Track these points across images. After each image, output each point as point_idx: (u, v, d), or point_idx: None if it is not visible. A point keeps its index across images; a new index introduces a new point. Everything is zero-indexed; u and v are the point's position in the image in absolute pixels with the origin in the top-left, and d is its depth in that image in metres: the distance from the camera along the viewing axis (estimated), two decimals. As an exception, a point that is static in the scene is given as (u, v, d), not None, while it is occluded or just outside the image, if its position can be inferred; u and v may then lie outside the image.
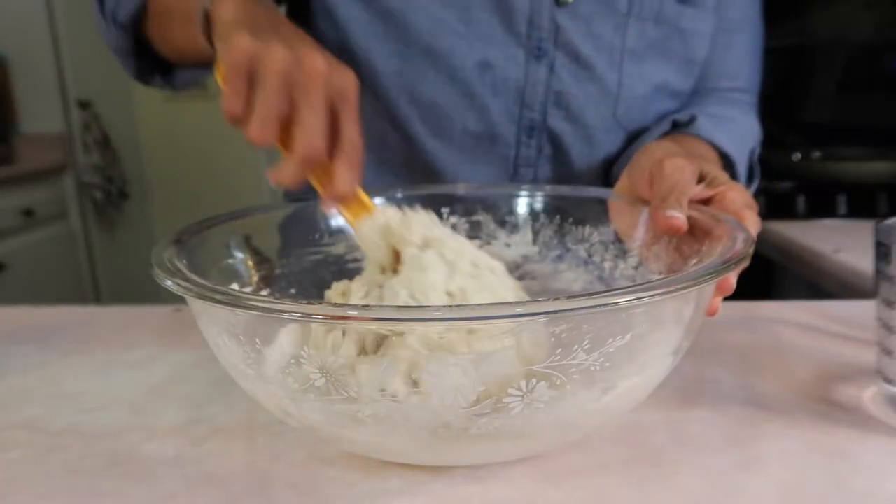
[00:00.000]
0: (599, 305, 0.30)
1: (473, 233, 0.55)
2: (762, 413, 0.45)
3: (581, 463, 0.39)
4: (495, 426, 0.33)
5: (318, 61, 0.41)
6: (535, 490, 0.37)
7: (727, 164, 0.66)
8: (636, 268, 0.50)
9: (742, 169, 0.68)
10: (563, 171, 0.71)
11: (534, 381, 0.32)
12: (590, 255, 0.53)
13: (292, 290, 0.51)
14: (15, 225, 2.19)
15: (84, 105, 2.49)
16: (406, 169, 0.70)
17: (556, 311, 0.30)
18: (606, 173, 0.72)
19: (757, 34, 0.76)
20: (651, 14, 0.67)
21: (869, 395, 0.46)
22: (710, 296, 0.39)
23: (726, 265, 0.35)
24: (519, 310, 0.30)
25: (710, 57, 0.72)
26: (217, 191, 2.82)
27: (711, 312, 0.42)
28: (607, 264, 0.52)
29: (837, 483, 0.37)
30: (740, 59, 0.74)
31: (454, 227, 0.55)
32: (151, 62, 0.66)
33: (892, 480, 0.38)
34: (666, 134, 0.68)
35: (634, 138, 0.71)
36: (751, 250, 0.37)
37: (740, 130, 0.70)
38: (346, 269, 0.53)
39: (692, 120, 0.67)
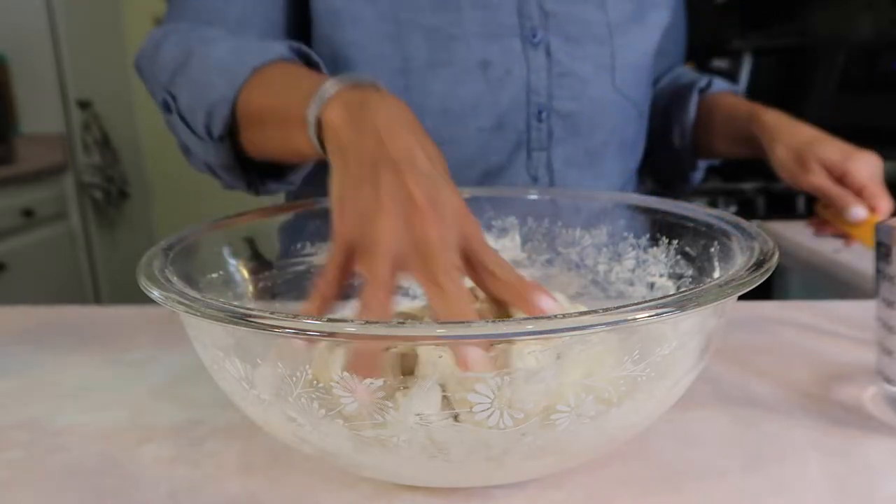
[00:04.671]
0: (658, 314, 0.29)
1: None
2: (762, 413, 0.45)
3: (581, 465, 0.39)
4: (539, 445, 0.32)
5: (431, 229, 0.36)
6: (535, 490, 0.37)
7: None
8: (633, 270, 0.50)
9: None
10: (577, 150, 0.73)
11: (583, 395, 0.31)
12: (582, 259, 0.52)
13: (276, 304, 0.49)
14: (15, 225, 2.19)
15: (84, 105, 2.49)
16: None
17: (614, 322, 0.29)
18: (622, 149, 0.76)
19: (680, 13, 0.85)
20: None
21: (869, 395, 0.46)
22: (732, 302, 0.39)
23: (764, 269, 0.35)
24: (569, 323, 0.28)
25: (667, 48, 0.81)
26: (217, 191, 2.81)
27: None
28: (601, 267, 0.52)
29: (837, 483, 0.37)
30: (681, 41, 0.87)
31: None
32: (258, 170, 0.60)
33: (892, 480, 0.38)
34: (697, 92, 0.80)
35: (664, 113, 0.83)
36: (776, 255, 0.37)
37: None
38: None
39: (710, 82, 0.81)
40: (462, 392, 0.31)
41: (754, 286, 0.34)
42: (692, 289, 0.32)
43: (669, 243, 0.47)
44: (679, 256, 0.46)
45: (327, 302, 0.38)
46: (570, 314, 0.29)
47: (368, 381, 0.31)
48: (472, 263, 0.38)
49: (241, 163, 0.57)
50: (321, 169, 0.63)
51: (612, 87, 0.72)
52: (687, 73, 0.88)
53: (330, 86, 0.43)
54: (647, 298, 0.44)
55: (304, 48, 0.57)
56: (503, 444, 0.32)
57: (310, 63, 0.57)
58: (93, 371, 0.54)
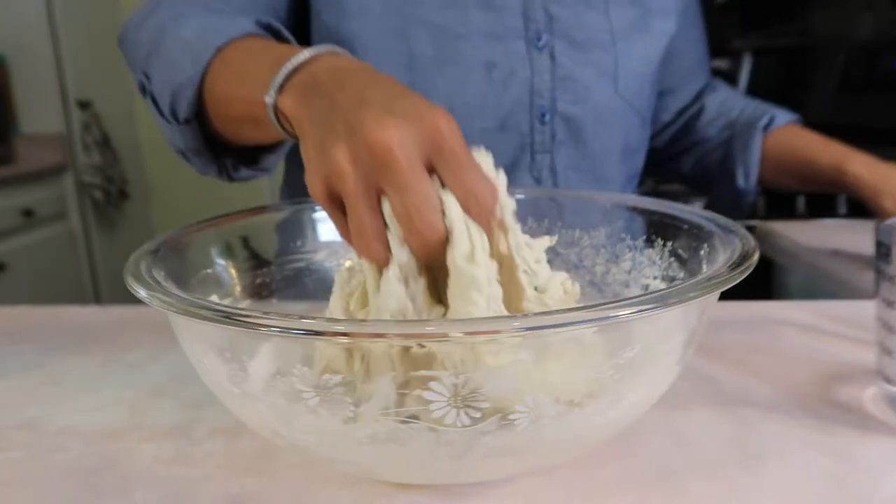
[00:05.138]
0: (603, 318, 0.29)
1: None
2: (762, 413, 0.45)
3: (580, 464, 0.39)
4: (499, 444, 0.32)
5: (382, 135, 0.32)
6: (534, 490, 0.37)
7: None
8: (629, 272, 0.50)
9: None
10: (580, 154, 0.73)
11: (541, 396, 0.31)
12: (580, 260, 0.52)
13: (273, 300, 0.50)
14: (15, 225, 2.19)
15: (84, 105, 2.49)
16: None
17: (556, 325, 0.28)
18: (625, 155, 0.76)
19: (703, 26, 0.85)
20: None
21: (869, 395, 0.46)
22: (714, 303, 0.38)
23: (737, 271, 0.34)
24: (521, 323, 0.29)
25: (680, 66, 0.82)
26: (217, 191, 2.82)
27: None
28: (599, 268, 0.51)
29: (837, 483, 0.37)
30: (703, 56, 0.87)
31: None
32: (230, 155, 0.58)
33: (892, 480, 0.38)
34: (764, 129, 0.80)
35: (685, 131, 0.85)
36: (756, 254, 0.36)
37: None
38: (329, 277, 0.51)
39: (772, 119, 0.81)
40: (418, 389, 0.31)
41: (727, 287, 0.33)
42: (656, 291, 0.32)
43: (664, 245, 0.47)
44: (672, 259, 0.46)
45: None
46: (539, 314, 0.29)
47: (326, 376, 0.31)
48: (440, 161, 0.34)
49: (211, 147, 0.56)
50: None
51: (614, 93, 0.73)
52: (739, 102, 0.86)
53: (282, 72, 0.41)
54: (619, 298, 0.43)
55: (274, 24, 0.55)
56: (463, 443, 0.32)
57: (280, 38, 0.54)
58: (93, 371, 0.54)
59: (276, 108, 0.42)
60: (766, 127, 0.81)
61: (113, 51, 2.66)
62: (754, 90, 1.96)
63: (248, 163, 0.58)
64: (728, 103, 0.86)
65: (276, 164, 0.61)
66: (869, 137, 1.57)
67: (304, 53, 0.42)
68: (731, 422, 0.44)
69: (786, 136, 0.80)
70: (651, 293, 0.31)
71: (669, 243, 0.46)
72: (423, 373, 0.31)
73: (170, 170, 2.86)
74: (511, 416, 0.31)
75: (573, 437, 0.34)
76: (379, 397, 0.32)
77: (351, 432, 0.32)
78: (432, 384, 0.30)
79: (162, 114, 0.55)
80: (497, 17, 0.67)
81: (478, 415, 0.31)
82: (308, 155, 0.37)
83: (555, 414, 0.32)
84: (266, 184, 2.76)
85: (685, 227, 0.45)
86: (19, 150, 2.36)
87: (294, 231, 0.52)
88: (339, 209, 0.36)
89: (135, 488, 0.38)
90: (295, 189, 0.78)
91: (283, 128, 0.43)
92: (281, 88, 0.41)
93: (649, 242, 0.48)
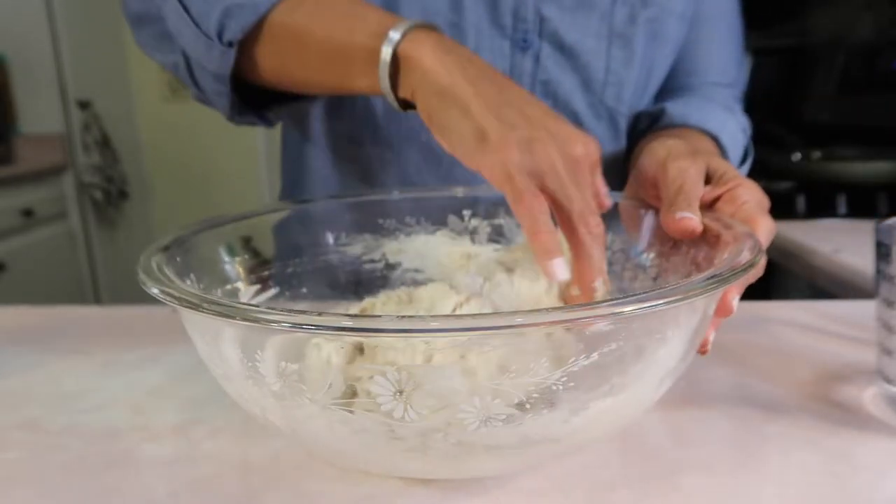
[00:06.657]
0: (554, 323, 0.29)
1: (495, 236, 0.54)
2: (762, 413, 0.45)
3: (580, 463, 0.39)
4: (452, 442, 0.32)
5: (583, 149, 0.42)
6: (533, 491, 0.37)
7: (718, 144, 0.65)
8: (655, 279, 0.48)
9: (733, 155, 0.66)
10: None
11: (488, 397, 0.31)
12: (610, 264, 0.50)
13: (303, 290, 0.51)
14: (15, 225, 2.19)
15: (84, 105, 2.49)
16: (412, 166, 0.70)
17: (495, 328, 0.29)
18: (609, 164, 0.71)
19: (735, 26, 0.76)
20: None
21: (869, 395, 0.46)
22: (707, 316, 0.36)
23: (711, 282, 0.32)
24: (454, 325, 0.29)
25: (691, 52, 0.73)
26: (217, 191, 2.83)
27: (702, 350, 0.40)
28: (627, 274, 0.50)
29: (837, 483, 0.37)
30: (720, 53, 0.75)
31: (476, 229, 0.54)
32: (246, 95, 0.58)
33: (892, 480, 0.38)
34: (659, 128, 0.67)
35: (630, 134, 0.72)
36: (756, 262, 0.35)
37: (723, 117, 0.68)
38: (361, 269, 0.53)
39: (662, 111, 0.68)
40: (365, 382, 0.32)
41: (699, 298, 0.32)
42: (608, 300, 0.31)
43: (687, 252, 0.46)
44: (693, 266, 0.45)
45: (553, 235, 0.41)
46: (525, 312, 0.29)
47: (283, 364, 0.32)
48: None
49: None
50: (306, 171, 0.63)
51: (599, 102, 0.69)
52: (701, 113, 0.68)
53: (402, 23, 0.45)
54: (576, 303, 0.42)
55: None
56: (416, 438, 0.32)
57: None
58: (93, 371, 0.54)
59: (394, 53, 0.44)
60: (650, 115, 0.69)
61: (113, 51, 2.64)
62: (754, 90, 1.95)
63: (256, 108, 0.60)
64: (687, 112, 0.67)
65: (276, 122, 0.64)
66: (869, 137, 1.57)
67: (415, 19, 0.46)
68: (731, 422, 0.44)
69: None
70: (620, 298, 0.30)
71: (692, 250, 0.45)
72: (368, 366, 0.32)
73: (170, 170, 2.86)
74: (458, 416, 0.31)
75: (532, 441, 0.34)
76: (332, 387, 0.33)
77: (312, 418, 0.33)
78: (377, 378, 0.31)
79: (197, 24, 0.52)
80: (490, 12, 0.65)
81: (424, 411, 0.31)
82: (490, 138, 0.41)
83: (505, 417, 0.31)
84: (266, 186, 2.76)
85: (705, 234, 0.43)
86: (19, 150, 2.37)
87: (290, 231, 0.53)
88: (542, 198, 0.41)
89: (135, 488, 0.38)
90: (289, 192, 0.78)
91: (390, 76, 0.45)
92: (403, 40, 0.44)
93: (675, 248, 0.46)
